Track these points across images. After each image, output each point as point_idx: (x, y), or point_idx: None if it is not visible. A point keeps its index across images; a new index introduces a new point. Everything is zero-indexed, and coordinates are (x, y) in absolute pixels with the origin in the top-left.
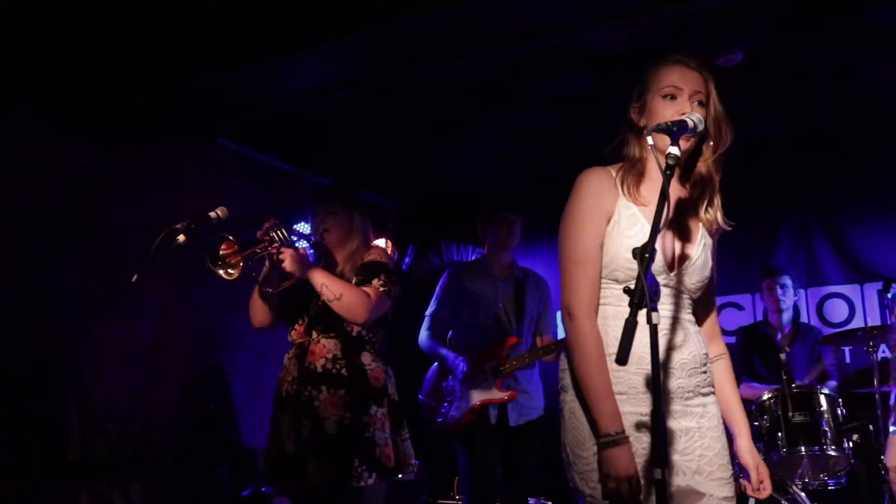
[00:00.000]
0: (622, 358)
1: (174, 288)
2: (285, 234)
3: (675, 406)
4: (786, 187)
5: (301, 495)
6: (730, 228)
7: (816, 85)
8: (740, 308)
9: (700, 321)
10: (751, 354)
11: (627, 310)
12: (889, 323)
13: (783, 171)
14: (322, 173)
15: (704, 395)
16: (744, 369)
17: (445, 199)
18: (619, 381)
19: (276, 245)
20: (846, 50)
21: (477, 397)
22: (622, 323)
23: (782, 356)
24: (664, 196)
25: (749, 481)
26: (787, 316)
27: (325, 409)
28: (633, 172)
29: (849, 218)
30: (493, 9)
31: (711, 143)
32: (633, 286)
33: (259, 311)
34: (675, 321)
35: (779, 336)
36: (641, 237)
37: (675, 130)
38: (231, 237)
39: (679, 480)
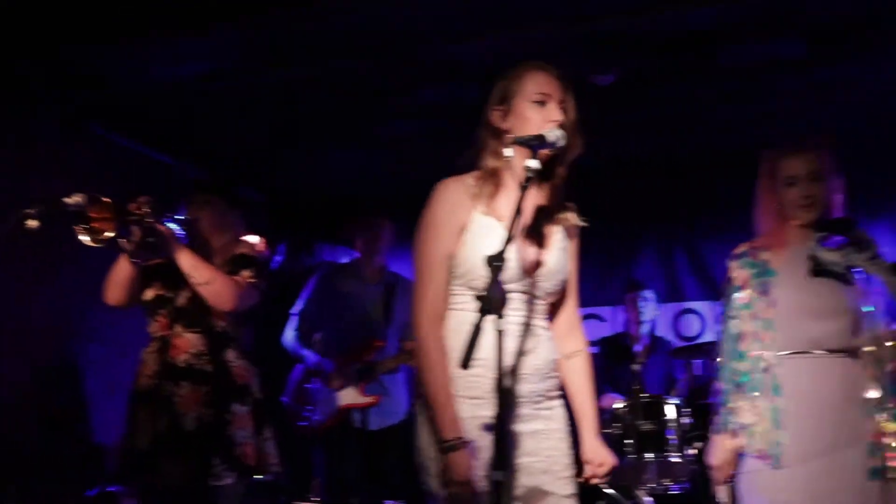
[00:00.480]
0: (464, 362)
1: (23, 276)
2: (158, 211)
3: (526, 410)
4: (650, 205)
5: (153, 494)
6: (586, 225)
7: (679, 113)
8: (602, 320)
9: (559, 317)
10: (611, 365)
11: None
12: None
13: (648, 189)
14: (196, 164)
15: (552, 398)
16: (604, 379)
17: (320, 199)
18: (475, 386)
19: (150, 219)
20: (703, 85)
21: (341, 401)
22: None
23: (635, 367)
24: (519, 208)
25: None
26: (645, 328)
27: (185, 405)
28: (491, 182)
29: (707, 238)
30: (374, 16)
31: (568, 151)
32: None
33: (117, 286)
34: (528, 327)
35: (637, 347)
36: (497, 247)
37: (535, 144)
38: (107, 199)
39: (528, 481)
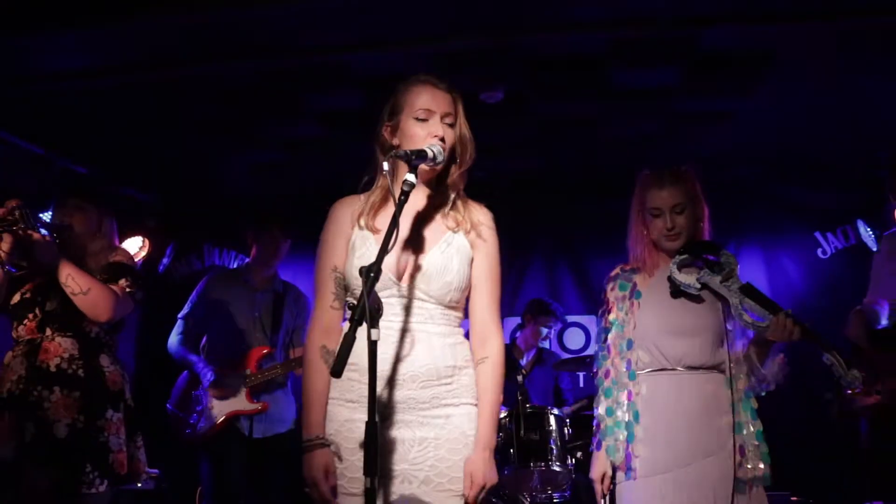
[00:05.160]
0: (337, 371)
1: None
2: (30, 217)
3: (408, 416)
4: (536, 220)
5: None
6: (489, 220)
7: (565, 132)
8: None
9: (471, 323)
10: None
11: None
12: None
13: (535, 205)
14: (82, 162)
15: (448, 405)
16: None
17: (211, 201)
18: (352, 390)
19: (22, 226)
20: (590, 104)
21: (227, 408)
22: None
23: (519, 378)
24: (395, 222)
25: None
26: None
27: (56, 412)
28: (376, 198)
29: (591, 253)
30: (265, 19)
31: (458, 161)
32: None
33: None
34: (408, 332)
35: (523, 361)
36: (369, 257)
37: (414, 159)
38: None
39: (405, 489)
